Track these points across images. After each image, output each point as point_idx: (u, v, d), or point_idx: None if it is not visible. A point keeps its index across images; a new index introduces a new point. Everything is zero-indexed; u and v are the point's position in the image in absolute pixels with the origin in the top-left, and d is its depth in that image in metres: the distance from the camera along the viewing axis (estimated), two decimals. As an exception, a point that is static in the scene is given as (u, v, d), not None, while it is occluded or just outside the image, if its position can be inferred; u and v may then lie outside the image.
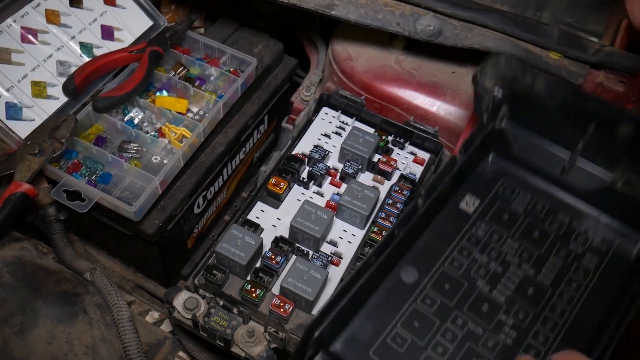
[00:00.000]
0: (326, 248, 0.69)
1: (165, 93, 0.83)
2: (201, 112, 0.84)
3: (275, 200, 0.73)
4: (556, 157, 0.64)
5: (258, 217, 0.71)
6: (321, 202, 0.73)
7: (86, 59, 0.81)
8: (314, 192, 0.74)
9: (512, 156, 0.64)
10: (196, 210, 0.87)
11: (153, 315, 0.82)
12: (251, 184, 1.08)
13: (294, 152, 0.77)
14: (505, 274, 0.57)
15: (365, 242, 0.69)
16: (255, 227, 0.69)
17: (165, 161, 0.78)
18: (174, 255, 0.88)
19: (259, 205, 0.72)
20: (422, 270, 0.57)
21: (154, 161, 0.78)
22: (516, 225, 0.61)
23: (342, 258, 0.68)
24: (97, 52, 0.82)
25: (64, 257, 0.74)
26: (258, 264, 0.66)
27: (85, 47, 0.81)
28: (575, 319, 0.55)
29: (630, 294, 0.53)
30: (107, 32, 0.83)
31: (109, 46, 0.83)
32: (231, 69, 0.88)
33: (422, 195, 0.56)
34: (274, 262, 0.65)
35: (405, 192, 0.73)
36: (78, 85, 0.77)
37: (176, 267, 0.91)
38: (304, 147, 0.79)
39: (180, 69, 0.86)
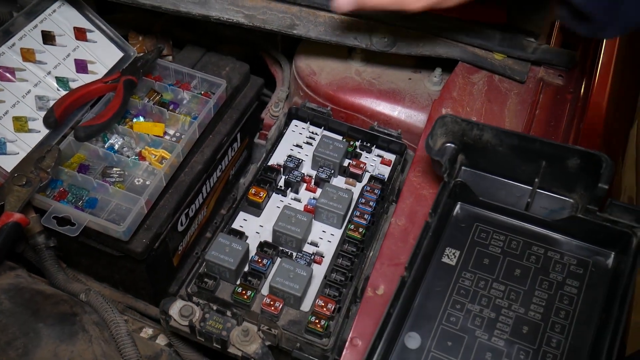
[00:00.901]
0: (308, 249, 0.74)
1: (142, 119, 0.87)
2: (177, 134, 0.88)
3: (256, 209, 0.77)
4: (517, 194, 0.68)
5: (242, 226, 0.76)
6: (299, 207, 0.78)
7: (63, 92, 0.84)
8: (292, 199, 0.79)
9: (478, 202, 0.67)
10: (180, 229, 0.91)
11: (147, 332, 0.85)
12: (229, 200, 1.13)
13: (269, 163, 0.82)
14: (499, 318, 0.60)
15: (344, 239, 0.74)
16: (240, 235, 0.74)
17: (147, 182, 0.82)
18: (161, 274, 0.91)
19: (242, 215, 0.77)
20: (424, 333, 0.59)
21: (137, 183, 0.82)
22: (498, 267, 0.63)
23: (323, 256, 0.74)
24: (73, 85, 0.86)
25: (58, 282, 0.77)
26: (246, 268, 0.70)
27: (62, 81, 0.85)
28: (571, 347, 0.57)
29: (616, 308, 0.56)
30: (81, 66, 0.87)
31: (83, 79, 0.87)
32: (202, 92, 0.93)
33: (407, 268, 0.59)
34: (261, 265, 0.69)
35: (376, 191, 0.79)
36: (58, 117, 0.80)
37: (163, 285, 0.95)
38: (278, 158, 0.84)
39: (154, 95, 0.90)
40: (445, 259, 0.64)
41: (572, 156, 0.64)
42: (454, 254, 0.64)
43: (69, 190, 0.79)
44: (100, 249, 0.82)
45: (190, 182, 0.88)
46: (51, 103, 0.82)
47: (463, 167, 0.70)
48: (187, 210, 0.91)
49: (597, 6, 0.61)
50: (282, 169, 0.81)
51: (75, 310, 0.70)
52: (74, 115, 0.84)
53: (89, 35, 0.90)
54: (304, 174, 0.80)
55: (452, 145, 0.68)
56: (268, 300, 0.66)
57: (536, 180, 0.67)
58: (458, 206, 0.68)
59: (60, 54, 0.86)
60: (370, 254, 0.74)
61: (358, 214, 0.76)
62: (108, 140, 0.84)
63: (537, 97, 0.77)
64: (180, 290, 0.69)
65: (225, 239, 0.69)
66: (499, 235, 0.66)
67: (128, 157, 0.84)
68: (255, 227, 0.76)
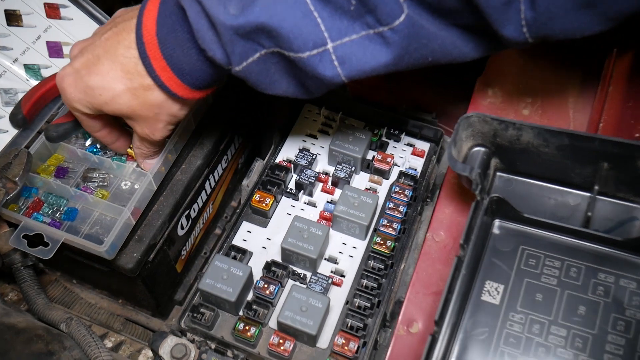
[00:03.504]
0: (325, 267, 0.61)
1: (127, 109, 0.74)
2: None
3: (262, 217, 0.65)
4: (572, 203, 0.53)
5: (245, 240, 0.63)
6: (314, 213, 0.65)
7: (34, 82, 0.72)
8: (304, 203, 0.66)
9: (521, 218, 0.52)
10: (180, 232, 0.79)
11: (146, 354, 0.75)
12: (240, 191, 1.00)
13: (277, 160, 0.69)
14: None
15: (369, 254, 0.61)
16: (243, 253, 0.61)
17: (136, 186, 0.70)
18: (163, 284, 0.80)
19: (245, 225, 0.64)
20: None
21: (124, 187, 0.70)
22: (555, 304, 0.49)
23: (344, 276, 0.61)
24: (46, 73, 0.73)
25: (36, 307, 0.66)
26: (250, 297, 0.58)
27: (32, 70, 0.72)
28: None
29: None
30: (55, 49, 0.74)
31: (58, 64, 0.74)
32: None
33: (438, 322, 0.45)
34: (267, 292, 0.57)
35: (407, 192, 0.65)
36: (27, 114, 0.68)
37: (167, 293, 0.84)
38: (288, 152, 0.70)
39: (142, 80, 0.77)
40: (485, 297, 0.50)
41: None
42: (496, 289, 0.50)
43: (44, 200, 0.67)
44: (87, 264, 0.71)
45: (188, 180, 0.75)
46: (20, 96, 0.70)
47: (498, 173, 0.55)
48: (187, 211, 0.79)
49: None
50: (292, 167, 0.67)
51: (52, 348, 0.59)
52: (48, 109, 0.72)
53: (62, 12, 0.76)
54: (318, 172, 0.66)
55: (482, 149, 0.53)
56: (276, 339, 0.54)
57: (596, 187, 0.51)
58: (496, 225, 0.53)
59: (28, 36, 0.73)
60: (402, 267, 0.61)
61: (385, 222, 0.62)
62: (89, 137, 0.72)
63: (610, 70, 0.61)
64: (181, 318, 0.57)
65: (223, 261, 0.57)
66: (553, 261, 0.51)
67: (114, 156, 0.71)
68: (261, 241, 0.63)
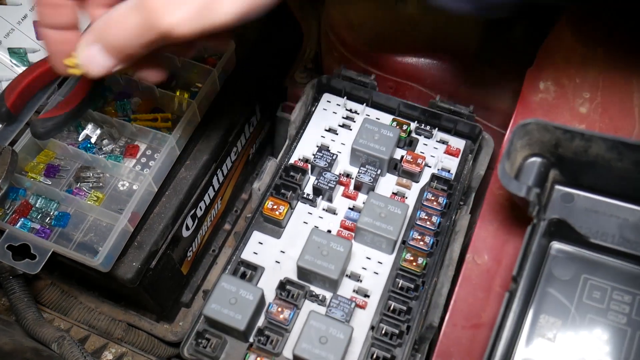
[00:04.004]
0: (347, 285, 0.54)
1: (125, 100, 0.66)
2: (174, 116, 0.67)
3: (276, 227, 0.57)
4: None
5: (256, 253, 0.56)
6: (334, 222, 0.57)
7: (20, 68, 0.64)
8: (323, 210, 0.58)
9: (582, 240, 0.44)
10: (185, 234, 0.72)
11: (149, 368, 0.69)
12: (252, 182, 0.93)
13: (292, 160, 0.61)
14: None
15: (397, 272, 0.54)
16: (254, 269, 0.54)
17: (134, 187, 0.63)
18: (167, 289, 0.74)
19: (256, 236, 0.57)
20: None
21: (121, 188, 0.63)
22: (625, 349, 0.41)
23: (368, 296, 0.53)
24: (34, 58, 0.65)
25: (26, 323, 0.60)
26: (261, 321, 0.51)
27: (17, 54, 0.64)
28: None
29: None
30: (43, 30, 0.66)
31: (48, 47, 0.66)
32: (205, 56, 0.71)
33: None
34: (281, 317, 0.50)
35: (440, 199, 0.56)
36: (12, 106, 0.60)
37: (173, 297, 0.77)
38: (304, 149, 0.62)
39: (142, 65, 0.68)
40: (539, 333, 0.42)
41: None
42: (552, 324, 0.42)
43: (33, 203, 0.60)
44: (83, 271, 0.65)
45: (193, 178, 0.68)
46: (4, 85, 0.62)
47: (557, 187, 0.46)
48: (193, 210, 0.72)
49: None
50: (309, 168, 0.59)
51: (41, 374, 0.53)
52: (36, 99, 0.64)
53: (51, -13, 0.68)
54: (339, 175, 0.58)
55: (539, 159, 0.44)
56: (292, 374, 0.47)
57: None
58: (554, 248, 0.44)
59: (12, 16, 0.65)
60: (434, 281, 0.53)
61: (416, 235, 0.54)
62: (82, 130, 0.64)
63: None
64: (184, 345, 0.51)
65: (231, 283, 0.50)
66: (622, 295, 0.42)
67: (110, 152, 0.64)
68: (274, 254, 0.56)
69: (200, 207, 0.74)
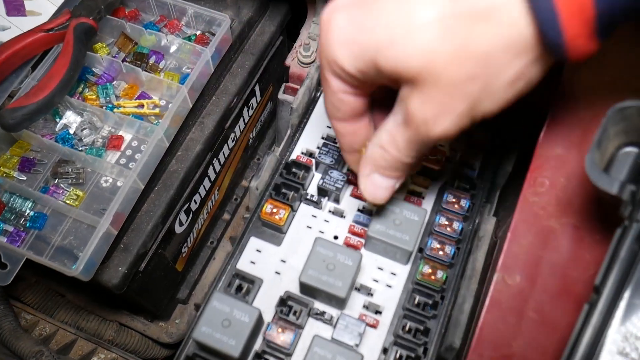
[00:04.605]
0: (356, 300, 0.47)
1: (108, 85, 0.59)
2: (162, 102, 0.60)
3: (276, 232, 0.50)
4: None
5: (253, 263, 0.49)
6: (341, 227, 0.50)
7: (-13, 49, 0.57)
8: (329, 212, 0.51)
9: None
10: (179, 230, 0.66)
11: (141, 376, 0.64)
12: (252, 167, 0.86)
13: (294, 156, 0.54)
14: None
15: (413, 287, 0.47)
16: (251, 282, 0.48)
17: (119, 183, 0.56)
18: (160, 289, 0.68)
19: (253, 242, 0.50)
20: None
21: (104, 185, 0.56)
22: None
23: (380, 312, 0.47)
24: (3, 37, 0.58)
25: (3, 334, 0.55)
26: (258, 344, 0.45)
27: (-17, 33, 0.57)
28: None
29: None
30: (14, 5, 0.59)
31: (19, 24, 0.59)
32: (197, 32, 0.64)
33: None
34: (281, 341, 0.44)
35: (462, 201, 0.50)
36: (-22, 93, 0.54)
37: (167, 296, 0.72)
38: (308, 142, 0.55)
39: (127, 43, 0.61)
40: (623, 353, 0.35)
41: None
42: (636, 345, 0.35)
43: (6, 202, 0.54)
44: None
45: (186, 170, 0.62)
46: (-30, 68, 0.55)
47: None
48: (187, 204, 0.65)
49: None
50: (314, 164, 0.52)
51: (16, 397, 0.47)
52: (8, 83, 0.57)
53: (22, -45, 0.60)
54: (347, 173, 0.51)
55: (636, 150, 0.37)
56: (293, 408, 0.41)
57: None
58: None
59: (-23, -12, 0.57)
60: (455, 296, 0.47)
61: (436, 244, 0.48)
62: (60, 119, 0.57)
63: None
64: None
65: (224, 302, 0.43)
66: None
67: (91, 144, 0.57)
68: (274, 263, 0.49)
69: (195, 201, 0.67)
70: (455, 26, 0.31)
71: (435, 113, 0.34)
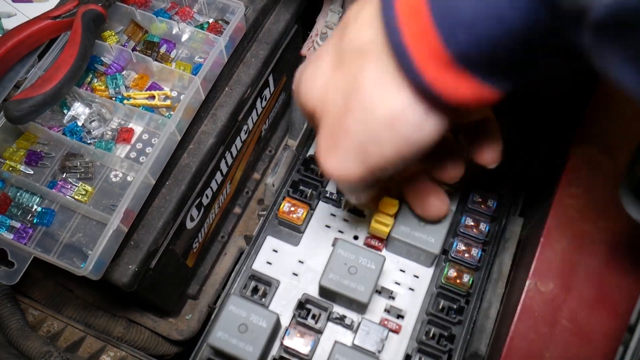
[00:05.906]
0: (378, 303, 0.45)
1: (118, 75, 0.57)
2: (174, 93, 0.58)
3: (293, 231, 0.48)
4: None
5: (270, 263, 0.47)
6: (361, 227, 0.48)
7: (-8, 37, 0.54)
8: (348, 211, 0.49)
9: None
10: (190, 225, 0.64)
11: (151, 374, 0.62)
12: (264, 160, 0.84)
13: (312, 151, 0.51)
14: None
15: (438, 291, 0.45)
16: (267, 284, 0.46)
17: (129, 178, 0.54)
18: (170, 286, 0.66)
19: (269, 242, 0.48)
20: None
21: (114, 180, 0.54)
22: None
23: (402, 317, 0.45)
24: (9, 25, 0.55)
25: (10, 333, 0.53)
26: (275, 350, 0.43)
27: (-12, 20, 0.55)
28: None
29: None
30: (19, -10, 0.56)
31: (25, 11, 0.57)
32: (210, 20, 0.61)
33: None
34: (300, 347, 0.42)
35: (489, 201, 0.47)
36: (-17, 83, 0.51)
37: (178, 292, 0.70)
38: (327, 136, 0.52)
39: (137, 32, 0.59)
40: None
41: None
42: None
43: (12, 197, 0.52)
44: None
45: (198, 164, 0.59)
46: (-26, 57, 0.53)
47: None
48: (199, 199, 0.63)
49: None
50: (333, 160, 0.50)
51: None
52: (14, 73, 0.55)
53: (27, -62, 0.58)
54: (369, 170, 0.49)
55: None
56: (313, 418, 0.39)
57: None
58: None
59: (-19, -27, 0.55)
60: (481, 301, 0.45)
61: (462, 246, 0.45)
62: (69, 111, 0.55)
63: None
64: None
65: (240, 306, 0.42)
66: None
67: (100, 137, 0.55)
68: (291, 264, 0.47)
69: (206, 195, 0.65)
70: (337, 64, 0.33)
71: (324, 149, 0.34)
